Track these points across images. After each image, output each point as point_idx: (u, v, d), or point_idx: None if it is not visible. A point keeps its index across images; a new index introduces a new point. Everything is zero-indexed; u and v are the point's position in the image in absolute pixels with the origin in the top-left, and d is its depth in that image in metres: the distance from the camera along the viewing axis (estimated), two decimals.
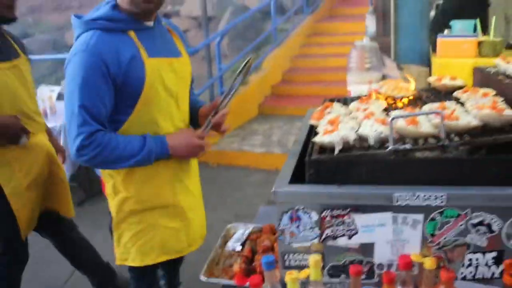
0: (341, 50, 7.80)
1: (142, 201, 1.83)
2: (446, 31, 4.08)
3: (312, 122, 1.63)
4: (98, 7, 1.76)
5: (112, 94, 1.68)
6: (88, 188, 4.67)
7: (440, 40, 3.95)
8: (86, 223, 4.17)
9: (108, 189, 1.89)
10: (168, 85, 1.78)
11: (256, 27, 9.68)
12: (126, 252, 1.88)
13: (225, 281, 1.64)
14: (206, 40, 6.37)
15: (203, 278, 1.70)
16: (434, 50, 4.10)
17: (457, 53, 3.86)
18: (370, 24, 5.22)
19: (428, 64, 4.24)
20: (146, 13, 1.74)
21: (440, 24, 4.39)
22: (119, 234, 1.88)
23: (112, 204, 1.88)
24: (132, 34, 1.72)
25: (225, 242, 1.94)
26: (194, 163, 2.05)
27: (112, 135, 1.68)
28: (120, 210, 1.85)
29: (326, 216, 1.32)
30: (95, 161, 1.67)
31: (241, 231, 1.97)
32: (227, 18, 9.64)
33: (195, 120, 2.03)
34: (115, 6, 1.73)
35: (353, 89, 3.02)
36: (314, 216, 1.32)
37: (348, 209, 1.30)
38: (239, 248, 1.84)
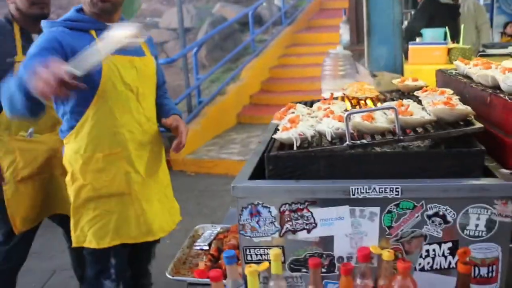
0: (319, 60, 7.79)
1: (97, 189, 1.93)
2: (417, 39, 4.17)
3: (275, 121, 1.66)
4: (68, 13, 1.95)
5: None
6: None
7: (411, 47, 4.03)
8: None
9: (67, 176, 1.99)
10: (127, 81, 1.90)
11: (235, 38, 9.74)
12: (83, 235, 1.97)
13: (190, 279, 1.65)
14: (183, 50, 6.40)
15: (169, 276, 1.71)
16: (407, 57, 4.18)
17: (428, 60, 3.95)
18: (344, 33, 5.31)
19: (401, 71, 4.32)
20: (105, 13, 1.89)
21: (412, 33, 4.49)
22: (77, 219, 1.97)
23: (71, 190, 1.98)
24: (93, 32, 1.88)
25: (193, 242, 1.95)
26: (159, 156, 2.13)
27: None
28: (78, 197, 1.94)
29: (285, 211, 1.34)
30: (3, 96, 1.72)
31: (209, 231, 1.99)
32: (205, 30, 9.68)
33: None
34: (79, 10, 1.93)
35: (327, 96, 3.06)
36: (274, 210, 1.34)
37: (306, 203, 1.33)
38: (206, 247, 1.85)
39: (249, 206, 1.35)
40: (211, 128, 6.45)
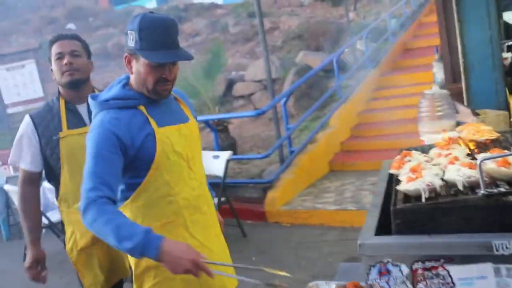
0: (409, 102, 7.68)
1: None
2: None
3: (393, 171, 1.57)
4: (111, 86, 1.97)
5: (122, 163, 1.82)
6: None
7: None
8: None
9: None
10: (178, 150, 1.92)
11: (320, 85, 9.76)
12: None
13: None
14: (272, 101, 6.48)
15: None
16: (511, 91, 3.93)
17: None
18: (438, 71, 5.12)
19: (506, 107, 4.05)
20: (163, 98, 1.93)
21: None
22: (138, 285, 1.98)
23: (131, 259, 1.99)
24: (142, 108, 1.89)
25: None
26: (213, 217, 2.14)
27: (115, 210, 1.74)
28: (138, 266, 1.95)
29: (418, 269, 1.23)
30: (93, 227, 1.72)
31: None
32: (291, 79, 9.80)
33: None
34: (126, 85, 1.94)
35: (427, 139, 2.92)
36: (405, 269, 1.24)
37: (442, 261, 1.21)
38: None
39: (378, 265, 1.25)
40: (304, 177, 6.39)
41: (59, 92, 2.52)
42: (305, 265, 4.37)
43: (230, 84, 11.29)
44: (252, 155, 7.91)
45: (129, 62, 1.90)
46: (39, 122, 2.45)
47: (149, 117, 1.88)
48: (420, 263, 1.23)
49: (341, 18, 14.23)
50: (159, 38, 1.80)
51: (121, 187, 1.93)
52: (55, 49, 2.46)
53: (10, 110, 12.87)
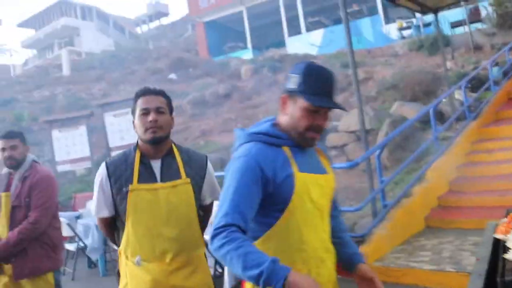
0: None
1: None
2: None
3: (499, 236, 1.45)
4: (258, 124, 2.03)
5: (260, 197, 1.83)
6: None
7: None
8: None
9: (246, 286, 1.95)
10: (314, 198, 1.92)
11: (416, 137, 9.45)
12: None
13: None
14: (366, 153, 6.35)
15: None
16: None
17: None
18: None
19: None
20: (308, 145, 1.97)
21: None
22: None
23: None
24: (286, 149, 1.93)
25: None
26: (333, 274, 2.06)
27: (244, 238, 1.71)
28: None
29: None
30: (219, 252, 1.71)
31: None
32: (385, 130, 9.60)
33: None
34: (275, 124, 1.99)
35: None
36: None
37: None
38: None
39: None
40: (397, 233, 6.11)
41: (137, 143, 2.56)
42: None
43: (324, 135, 11.27)
44: (345, 207, 7.74)
45: (285, 103, 1.96)
46: (113, 171, 2.48)
47: (292, 159, 1.91)
48: None
49: (438, 67, 13.84)
50: (322, 85, 1.89)
51: (250, 224, 1.90)
52: (140, 103, 2.50)
53: (114, 153, 13.78)
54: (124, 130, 12.28)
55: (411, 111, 10.45)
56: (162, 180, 2.49)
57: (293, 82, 1.91)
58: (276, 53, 22.32)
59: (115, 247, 2.73)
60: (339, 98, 14.12)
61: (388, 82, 13.76)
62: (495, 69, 11.63)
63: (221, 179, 2.16)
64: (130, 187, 2.42)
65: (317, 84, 1.88)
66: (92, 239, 7.00)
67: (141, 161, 2.49)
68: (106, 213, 2.52)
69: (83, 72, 27.25)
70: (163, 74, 23.45)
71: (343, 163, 8.72)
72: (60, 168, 11.71)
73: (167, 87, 20.78)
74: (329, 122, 1.97)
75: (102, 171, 2.51)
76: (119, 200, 2.46)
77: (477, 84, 11.55)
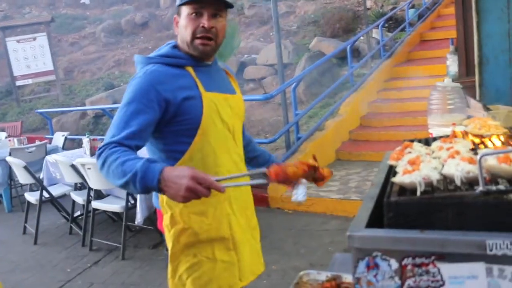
0: (420, 94, 7.58)
1: (199, 233, 1.85)
2: None
3: (391, 162, 1.51)
4: (159, 48, 1.92)
5: (155, 118, 1.73)
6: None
7: None
8: (161, 265, 4.20)
9: (165, 220, 1.89)
10: (224, 118, 1.87)
11: (332, 72, 9.66)
12: (181, 284, 1.89)
13: None
14: (282, 85, 6.41)
15: None
16: None
17: None
18: (452, 64, 5.01)
19: None
20: (204, 56, 1.87)
21: None
22: (175, 266, 1.89)
23: (169, 235, 1.89)
24: (190, 69, 1.84)
25: None
26: (250, 197, 2.09)
27: (124, 149, 1.61)
28: (177, 242, 1.86)
29: (408, 265, 1.18)
30: (103, 171, 1.61)
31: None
32: (303, 65, 9.70)
33: (251, 161, 2.18)
34: (175, 46, 1.90)
35: (435, 132, 2.86)
36: (394, 264, 1.19)
37: (433, 257, 1.16)
38: None
39: (366, 258, 1.21)
40: None
41: None
42: (304, 253, 4.34)
43: (242, 67, 11.22)
44: (259, 139, 7.87)
45: (176, 23, 1.88)
46: None
47: (196, 79, 1.82)
48: (410, 258, 1.18)
49: (358, 5, 14.03)
50: None
51: (160, 154, 1.86)
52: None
53: (19, 83, 12.93)
54: (31, 58, 11.48)
55: (330, 47, 10.60)
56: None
57: None
58: None
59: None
60: (259, 31, 14.00)
61: (310, 17, 13.79)
62: (412, 11, 11.98)
63: None
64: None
65: None
66: None
67: None
68: None
69: None
70: None
71: (259, 95, 8.77)
72: None
73: (78, 13, 19.53)
74: (221, 26, 1.85)
75: None
76: None
77: (393, 24, 11.89)
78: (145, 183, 1.48)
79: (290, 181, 1.70)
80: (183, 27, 1.83)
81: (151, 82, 1.74)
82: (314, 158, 1.81)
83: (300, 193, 1.84)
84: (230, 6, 1.88)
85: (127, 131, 1.66)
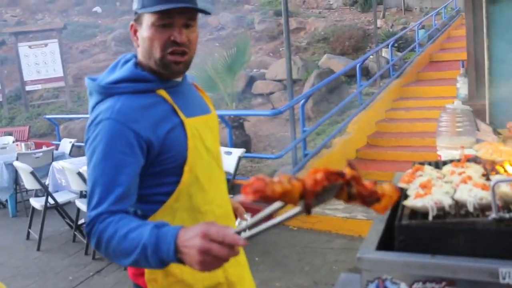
0: (429, 115, 7.57)
1: (192, 284, 1.54)
2: None
3: (402, 185, 1.51)
4: (115, 66, 1.56)
5: (140, 165, 1.42)
6: None
7: None
8: None
9: (148, 273, 1.51)
10: (208, 146, 1.57)
11: (341, 90, 9.68)
12: None
13: None
14: (291, 102, 6.42)
15: None
16: None
17: None
18: (462, 86, 5.01)
19: None
20: (175, 75, 1.54)
21: None
22: None
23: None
24: (163, 93, 1.50)
25: None
26: (231, 218, 1.75)
27: (119, 218, 1.31)
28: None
29: None
30: (101, 252, 1.34)
31: None
32: (312, 81, 9.74)
33: None
34: (138, 64, 1.53)
35: (443, 154, 2.86)
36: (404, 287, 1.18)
37: (444, 283, 1.15)
38: None
39: (376, 281, 1.20)
40: None
41: None
42: (308, 271, 4.31)
43: (250, 81, 11.29)
44: (266, 154, 7.87)
45: (135, 32, 1.52)
46: None
47: (173, 104, 1.49)
48: (420, 283, 1.17)
49: (369, 24, 14.12)
50: None
51: (134, 207, 1.45)
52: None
53: (28, 88, 13.04)
54: (41, 64, 11.58)
55: (339, 65, 10.64)
56: None
57: (135, 2, 1.49)
58: None
59: None
60: (269, 46, 14.07)
61: (320, 34, 13.87)
62: (422, 31, 12.03)
63: None
64: None
65: None
66: (1, 179, 6.60)
67: None
68: None
69: None
70: (87, 6, 22.07)
71: (267, 110, 8.80)
72: None
73: (90, 21, 19.72)
74: (194, 36, 1.50)
75: None
76: None
77: (403, 44, 11.94)
78: (160, 257, 1.20)
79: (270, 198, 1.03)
80: (147, 39, 1.46)
81: (125, 123, 1.39)
82: (351, 164, 1.22)
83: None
84: (206, 12, 1.55)
85: (116, 193, 1.35)
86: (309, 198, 1.07)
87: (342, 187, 1.13)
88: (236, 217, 1.78)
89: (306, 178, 1.07)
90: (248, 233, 1.11)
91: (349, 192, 1.14)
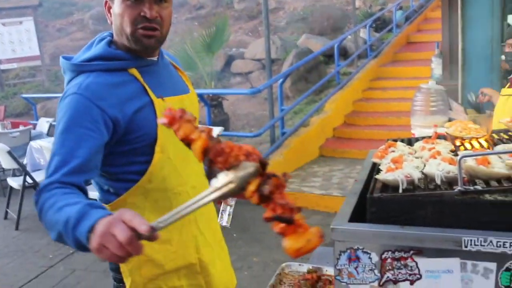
0: (405, 95, 7.70)
1: (164, 264, 1.56)
2: None
3: (375, 160, 1.57)
4: (91, 44, 1.56)
5: (103, 141, 1.41)
6: None
7: None
8: None
9: None
10: None
11: (319, 70, 9.73)
12: None
13: None
14: (269, 81, 6.45)
15: None
16: None
17: None
18: (436, 67, 5.13)
19: None
20: (148, 50, 1.53)
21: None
22: None
23: (126, 269, 1.55)
24: (134, 71, 1.50)
25: (279, 281, 1.88)
26: (212, 207, 1.78)
27: (61, 193, 1.27)
28: (139, 276, 1.55)
29: (387, 258, 1.24)
30: (42, 221, 1.28)
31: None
32: (290, 61, 9.76)
33: None
34: (111, 42, 1.54)
35: (417, 133, 2.94)
36: (374, 257, 1.25)
37: (411, 252, 1.22)
38: None
39: (348, 251, 1.26)
40: (293, 159, 6.40)
41: None
42: None
43: (229, 61, 11.25)
44: (244, 133, 7.92)
45: (108, 9, 1.51)
46: None
47: (144, 83, 1.49)
48: (390, 252, 1.24)
49: (347, 4, 14.12)
50: None
51: (108, 184, 1.52)
52: None
53: (3, 66, 12.76)
54: (16, 42, 11.32)
55: (317, 45, 10.67)
56: None
57: None
58: None
59: None
60: (248, 26, 14.02)
61: (299, 14, 13.84)
62: (399, 12, 12.11)
63: None
64: None
65: None
66: None
67: None
68: None
69: None
70: None
71: (245, 89, 8.82)
72: None
73: None
74: (167, 13, 1.49)
75: None
76: None
77: (381, 25, 12.01)
78: (75, 235, 1.13)
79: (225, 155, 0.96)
80: (119, 16, 1.45)
81: (91, 99, 1.39)
82: (285, 175, 1.06)
83: (224, 218, 1.79)
84: None
85: (71, 164, 1.33)
86: (213, 156, 0.96)
87: (257, 174, 0.97)
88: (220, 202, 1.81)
89: (224, 143, 0.98)
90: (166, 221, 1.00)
91: (261, 190, 0.97)
